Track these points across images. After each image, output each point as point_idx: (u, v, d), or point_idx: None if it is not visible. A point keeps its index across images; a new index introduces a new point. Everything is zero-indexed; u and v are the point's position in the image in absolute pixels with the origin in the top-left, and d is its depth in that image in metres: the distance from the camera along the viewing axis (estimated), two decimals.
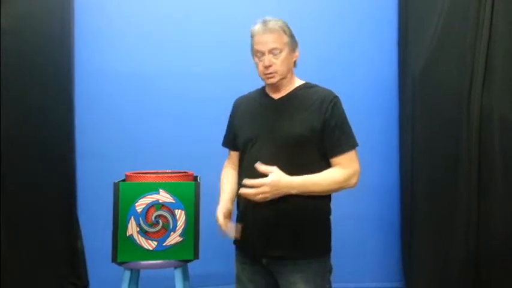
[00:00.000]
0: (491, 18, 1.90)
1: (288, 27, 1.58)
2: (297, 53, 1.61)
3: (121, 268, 1.85)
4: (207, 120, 2.48)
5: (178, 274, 1.82)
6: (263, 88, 1.68)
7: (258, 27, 1.56)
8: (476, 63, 1.95)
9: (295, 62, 1.62)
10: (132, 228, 1.65)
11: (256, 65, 1.58)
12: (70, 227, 2.30)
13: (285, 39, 1.55)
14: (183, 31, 2.54)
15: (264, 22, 1.55)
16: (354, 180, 1.53)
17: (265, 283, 1.59)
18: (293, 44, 1.58)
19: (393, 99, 2.72)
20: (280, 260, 1.52)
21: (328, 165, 1.53)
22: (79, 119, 2.39)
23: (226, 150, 1.74)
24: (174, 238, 1.66)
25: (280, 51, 1.54)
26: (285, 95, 1.61)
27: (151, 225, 1.65)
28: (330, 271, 1.59)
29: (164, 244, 1.65)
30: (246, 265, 1.61)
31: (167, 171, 2.05)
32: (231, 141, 1.70)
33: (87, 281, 2.35)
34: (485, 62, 1.93)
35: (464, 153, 2.00)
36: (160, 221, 1.66)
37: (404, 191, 2.62)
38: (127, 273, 1.84)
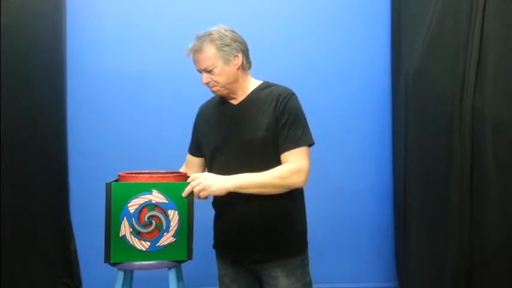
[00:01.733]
0: (483, 18, 1.90)
1: (221, 38, 1.57)
2: (237, 60, 1.59)
3: (114, 268, 1.84)
4: None
5: (172, 275, 1.81)
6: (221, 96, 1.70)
7: (189, 48, 1.60)
8: (468, 65, 1.95)
9: (243, 67, 1.62)
10: (125, 229, 1.62)
11: None
12: (62, 227, 2.29)
13: (213, 54, 1.56)
14: (176, 30, 2.52)
15: (194, 39, 1.59)
16: (300, 178, 1.51)
17: (248, 281, 1.67)
18: (227, 54, 1.57)
19: (386, 100, 2.72)
20: (257, 261, 1.60)
21: None
22: (71, 118, 2.38)
23: None
24: (167, 239, 1.63)
25: (213, 68, 1.56)
26: (244, 100, 1.63)
27: (145, 225, 1.62)
28: (308, 264, 1.65)
29: (157, 245, 1.62)
30: (227, 265, 1.69)
31: (161, 171, 2.04)
32: (194, 148, 1.76)
33: (80, 282, 2.34)
34: (477, 63, 1.92)
35: (457, 155, 2.00)
36: (153, 221, 1.63)
37: (397, 193, 2.63)
38: (120, 274, 1.83)
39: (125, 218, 1.61)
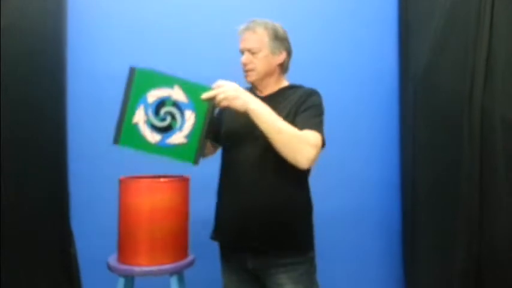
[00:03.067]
0: (492, 19, 1.89)
1: (275, 30, 1.62)
2: (281, 57, 1.64)
3: (115, 275, 1.81)
4: None
5: (174, 281, 1.78)
6: (252, 87, 1.71)
7: (242, 26, 1.63)
8: (478, 65, 1.94)
9: (282, 66, 1.66)
10: (139, 117, 1.56)
11: None
12: (62, 231, 2.25)
13: (265, 40, 1.60)
14: (177, 30, 2.50)
15: (249, 22, 1.62)
16: (309, 154, 1.45)
17: None
18: (277, 47, 1.62)
19: (394, 102, 2.70)
20: (261, 261, 1.56)
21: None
22: (72, 119, 2.34)
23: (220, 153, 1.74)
24: (178, 138, 1.56)
25: (259, 51, 1.59)
26: (270, 94, 1.66)
27: (160, 119, 1.56)
28: (315, 271, 1.61)
29: (167, 141, 1.56)
30: (232, 273, 1.67)
31: (162, 175, 2.00)
32: (212, 136, 1.72)
33: (80, 287, 2.31)
34: (486, 63, 1.92)
35: (466, 155, 1.98)
36: (168, 117, 1.57)
37: (405, 194, 2.61)
38: (121, 281, 1.80)
39: (142, 106, 1.56)
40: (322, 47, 2.62)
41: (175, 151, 1.56)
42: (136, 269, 1.73)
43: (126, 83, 1.56)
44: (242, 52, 1.63)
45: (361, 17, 2.67)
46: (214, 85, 1.51)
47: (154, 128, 1.56)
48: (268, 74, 1.63)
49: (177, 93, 1.54)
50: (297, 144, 1.44)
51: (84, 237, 2.28)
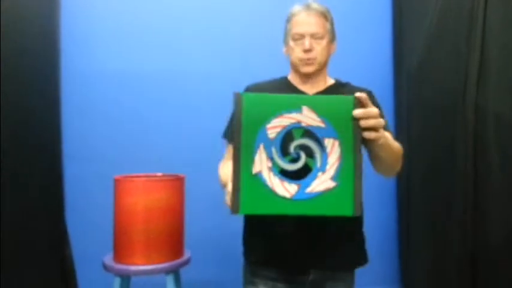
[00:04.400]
0: (485, 14, 1.89)
1: (331, 15, 1.45)
2: (335, 46, 1.47)
3: (111, 275, 1.80)
4: (198, 123, 2.44)
5: (170, 281, 1.78)
6: (286, 80, 1.48)
7: (300, 8, 1.40)
8: (471, 61, 1.94)
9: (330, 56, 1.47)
10: (261, 163, 1.08)
11: (290, 51, 1.40)
12: (58, 232, 2.25)
13: (328, 25, 1.41)
14: (172, 32, 2.49)
15: (308, 4, 1.41)
16: (400, 165, 1.35)
17: None
18: (334, 36, 1.45)
19: (388, 99, 2.70)
20: (322, 273, 1.37)
21: None
22: (66, 120, 2.34)
23: (218, 152, 1.61)
24: (323, 182, 1.09)
25: (322, 37, 1.38)
26: (322, 91, 1.43)
27: (290, 159, 1.10)
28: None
29: (307, 191, 1.08)
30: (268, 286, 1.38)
31: (158, 174, 2.00)
32: None
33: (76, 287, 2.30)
34: (480, 58, 1.91)
35: (460, 152, 1.99)
36: (301, 154, 1.10)
37: (400, 190, 2.61)
38: (117, 280, 1.80)
39: (261, 146, 1.09)
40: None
41: (323, 203, 1.08)
42: (132, 268, 1.73)
43: (232, 119, 1.13)
44: (298, 36, 1.37)
45: (356, 14, 2.67)
46: (357, 95, 1.09)
47: (286, 175, 1.08)
48: (324, 65, 1.43)
49: (307, 117, 1.08)
50: (400, 159, 1.34)
51: (80, 237, 2.27)
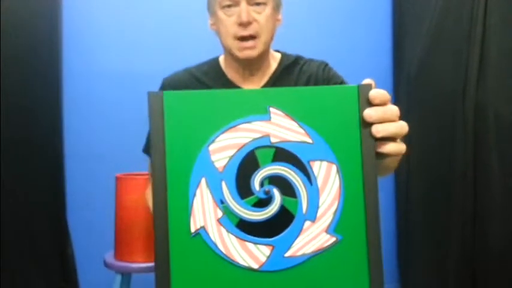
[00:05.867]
0: (485, 14, 1.89)
1: None
2: (280, 17, 1.08)
3: (112, 272, 1.81)
4: None
5: None
6: (217, 67, 1.11)
7: None
8: (471, 63, 1.94)
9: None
10: (205, 212, 0.61)
11: (219, 24, 1.01)
12: (59, 231, 2.25)
13: None
14: (172, 32, 2.50)
15: None
16: None
17: None
18: (279, 3, 1.06)
19: None
20: None
21: None
22: (68, 120, 2.35)
23: None
24: (313, 238, 0.61)
25: (265, 4, 0.98)
26: (274, 76, 1.06)
27: (255, 203, 0.62)
28: None
29: (288, 255, 0.61)
30: None
31: None
32: None
33: (78, 286, 2.31)
34: (480, 59, 1.91)
35: (460, 154, 1.99)
36: (274, 191, 0.62)
37: (399, 190, 2.61)
38: (118, 278, 1.80)
39: (203, 181, 0.61)
40: (316, 47, 2.60)
41: (314, 275, 0.61)
42: (133, 265, 1.74)
43: (150, 134, 0.61)
44: (229, 2, 0.98)
45: (355, 17, 2.67)
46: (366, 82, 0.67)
47: (248, 231, 0.62)
48: (268, 43, 1.03)
49: (279, 126, 0.62)
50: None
51: (81, 234, 2.28)
